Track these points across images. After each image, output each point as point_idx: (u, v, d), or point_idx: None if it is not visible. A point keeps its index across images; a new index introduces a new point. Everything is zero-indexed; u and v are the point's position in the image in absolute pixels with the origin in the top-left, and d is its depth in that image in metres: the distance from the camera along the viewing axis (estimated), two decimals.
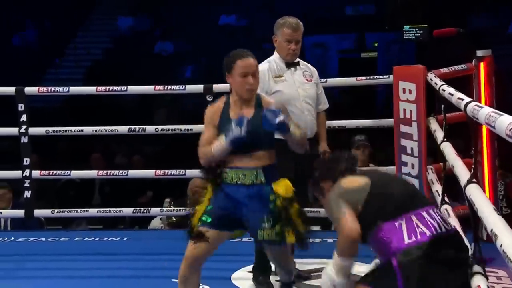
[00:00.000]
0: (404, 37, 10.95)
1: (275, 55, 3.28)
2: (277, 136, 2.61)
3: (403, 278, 1.97)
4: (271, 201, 2.51)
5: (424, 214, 2.04)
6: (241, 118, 2.43)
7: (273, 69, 3.21)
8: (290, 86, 3.20)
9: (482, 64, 3.54)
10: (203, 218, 2.57)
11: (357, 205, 2.12)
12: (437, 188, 3.02)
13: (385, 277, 2.02)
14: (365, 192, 2.11)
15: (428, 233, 2.00)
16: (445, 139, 2.84)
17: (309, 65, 3.37)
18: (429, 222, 2.01)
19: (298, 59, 3.28)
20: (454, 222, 2.51)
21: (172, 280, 3.27)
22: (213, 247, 2.59)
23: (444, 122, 2.98)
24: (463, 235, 2.14)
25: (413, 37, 11.03)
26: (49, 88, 4.37)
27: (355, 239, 2.09)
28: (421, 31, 10.92)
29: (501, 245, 1.45)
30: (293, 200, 2.53)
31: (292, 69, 3.24)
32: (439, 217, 2.07)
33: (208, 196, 2.60)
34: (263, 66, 3.15)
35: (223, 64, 2.59)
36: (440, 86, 2.97)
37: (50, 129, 4.24)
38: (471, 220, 2.13)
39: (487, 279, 2.03)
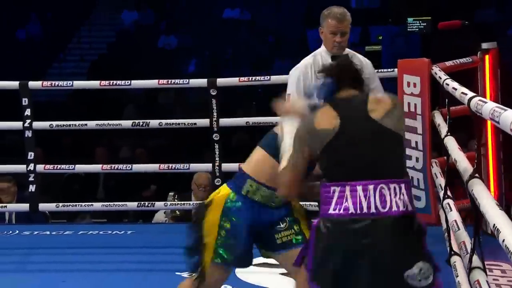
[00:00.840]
0: (408, 29, 10.90)
1: (322, 48, 3.09)
2: None
3: (314, 247, 1.90)
4: (288, 216, 2.32)
5: (369, 187, 1.83)
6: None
7: (318, 64, 2.98)
8: None
9: (487, 57, 3.52)
10: (221, 252, 2.24)
11: (316, 150, 1.93)
12: (441, 182, 3.01)
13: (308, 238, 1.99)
14: (329, 137, 1.89)
15: (351, 209, 1.83)
16: (448, 133, 2.82)
17: (362, 58, 3.14)
18: (362, 198, 1.83)
19: (347, 52, 3.07)
20: (455, 217, 2.50)
21: (176, 273, 3.29)
22: (221, 284, 2.35)
23: (448, 116, 2.96)
24: (416, 221, 1.88)
25: (417, 29, 10.98)
26: (53, 82, 4.38)
27: (288, 197, 2.10)
28: (425, 23, 10.87)
29: (503, 240, 1.44)
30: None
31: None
32: (387, 198, 1.84)
33: (217, 219, 2.24)
34: (307, 61, 3.03)
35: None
36: (444, 80, 2.96)
37: (54, 123, 4.25)
38: (473, 215, 2.11)
39: (486, 273, 2.02)
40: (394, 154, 1.90)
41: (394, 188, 1.84)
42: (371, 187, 1.83)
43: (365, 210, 1.82)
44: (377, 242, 1.81)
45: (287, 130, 2.14)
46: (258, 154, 2.29)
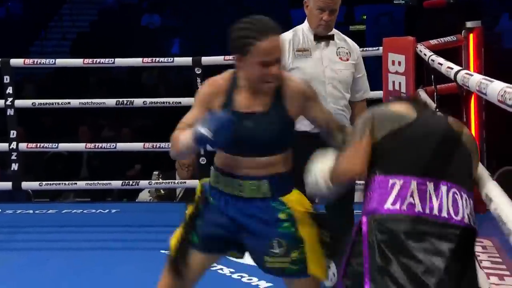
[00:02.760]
0: (394, 1, 10.94)
1: (305, 24, 2.69)
2: (303, 128, 2.28)
3: (369, 248, 1.55)
4: (283, 220, 1.88)
5: (442, 187, 1.55)
6: (212, 115, 1.78)
7: (298, 41, 2.64)
8: (315, 64, 2.60)
9: (471, 36, 3.54)
10: (190, 237, 1.95)
11: (379, 133, 1.64)
12: None
13: (350, 239, 1.63)
14: (403, 122, 1.62)
15: (418, 208, 1.53)
16: (436, 110, 2.84)
17: (349, 40, 2.75)
18: (432, 199, 1.54)
19: (333, 32, 2.68)
20: None
21: (161, 251, 3.29)
22: (198, 275, 1.97)
23: (435, 92, 2.98)
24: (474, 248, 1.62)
25: (403, 1, 11.03)
26: (35, 60, 4.32)
27: (352, 179, 1.70)
28: None
29: (495, 209, 1.46)
30: (313, 216, 1.91)
31: (323, 43, 2.63)
32: (459, 205, 1.56)
33: (197, 202, 1.99)
34: (286, 36, 2.61)
35: (233, 41, 1.88)
36: (429, 56, 2.97)
37: (37, 101, 4.21)
38: None
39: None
40: (469, 169, 1.64)
41: (466, 199, 1.57)
42: (443, 188, 1.55)
43: (435, 211, 1.53)
44: (448, 253, 1.51)
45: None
46: (275, 158, 1.93)
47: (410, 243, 1.52)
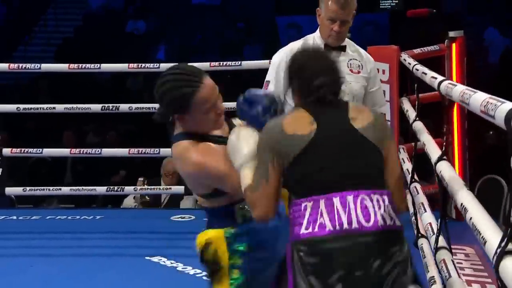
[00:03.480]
0: (380, 6, 11.05)
1: (317, 33, 2.61)
2: None
3: (293, 275, 1.55)
4: None
5: (348, 198, 1.53)
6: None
7: None
8: None
9: (454, 45, 3.59)
10: None
11: (285, 160, 1.59)
12: (408, 166, 3.07)
13: (283, 267, 1.62)
14: (303, 144, 1.58)
15: (328, 227, 1.52)
16: (417, 118, 2.88)
17: (363, 53, 2.68)
18: (340, 213, 1.52)
19: (346, 43, 2.61)
20: (422, 199, 2.55)
21: (146, 258, 3.29)
22: None
23: (417, 101, 3.02)
24: (402, 236, 1.60)
25: (389, 6, 11.14)
26: (20, 65, 4.30)
27: (264, 221, 1.64)
28: (397, 1, 11.03)
29: (470, 218, 1.48)
30: None
31: (334, 53, 2.46)
32: (370, 210, 1.54)
33: (225, 263, 1.77)
34: (295, 45, 2.52)
35: (167, 102, 1.75)
36: (414, 65, 3.01)
37: (22, 106, 4.18)
38: (440, 196, 2.16)
39: (452, 254, 2.07)
40: (376, 167, 1.61)
41: (377, 200, 1.55)
42: (350, 198, 1.53)
43: (345, 226, 1.52)
44: (363, 263, 1.51)
45: (243, 137, 1.68)
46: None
47: (324, 264, 1.52)
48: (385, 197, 1.58)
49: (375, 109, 2.62)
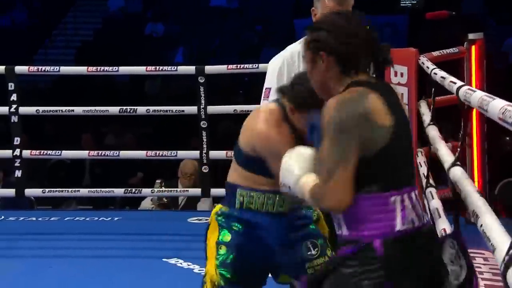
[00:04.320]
0: (401, 4, 10.99)
1: None
2: None
3: (387, 271, 1.47)
4: (312, 222, 1.94)
5: (412, 194, 1.52)
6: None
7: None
8: None
9: (473, 48, 3.56)
10: (222, 272, 1.89)
11: (372, 150, 1.48)
12: (424, 171, 3.05)
13: (361, 264, 1.49)
14: (388, 136, 1.47)
15: (416, 221, 1.51)
16: (431, 122, 2.85)
17: None
18: (416, 207, 1.52)
19: None
20: (437, 205, 2.52)
21: (163, 259, 3.30)
22: None
23: (432, 105, 3.00)
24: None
25: (409, 4, 11.08)
26: (40, 67, 4.35)
27: (338, 211, 1.53)
28: None
29: (481, 225, 1.47)
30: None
31: None
32: (421, 203, 1.58)
33: (216, 234, 1.91)
34: (294, 48, 2.43)
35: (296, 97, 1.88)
36: (432, 69, 2.99)
37: (41, 108, 4.23)
38: (453, 202, 2.14)
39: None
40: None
41: (416, 196, 1.55)
42: (413, 194, 1.52)
43: (423, 221, 1.53)
44: (436, 256, 1.53)
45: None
46: (234, 166, 1.97)
47: (430, 256, 1.52)
48: (416, 192, 1.58)
49: None
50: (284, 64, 2.39)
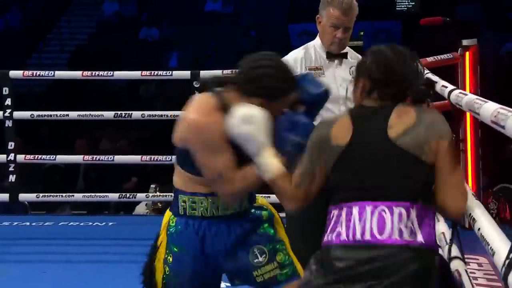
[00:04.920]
0: (396, 8, 11.04)
1: (317, 40, 2.56)
2: None
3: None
4: (264, 220, 1.85)
5: (367, 209, 1.50)
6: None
7: (310, 58, 2.52)
8: (329, 83, 2.36)
9: (467, 54, 3.57)
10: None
11: (328, 168, 1.61)
12: None
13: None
14: (339, 154, 1.58)
15: (343, 236, 1.52)
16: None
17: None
18: (355, 224, 1.51)
19: (347, 50, 2.57)
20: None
21: None
22: None
23: None
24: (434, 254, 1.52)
25: (405, 9, 11.14)
26: (34, 72, 4.34)
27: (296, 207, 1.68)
28: (413, 3, 11.02)
29: (479, 229, 1.47)
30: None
31: (336, 61, 2.53)
32: (387, 222, 1.49)
33: (163, 253, 1.85)
34: (297, 54, 2.51)
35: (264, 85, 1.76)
36: (425, 74, 3.00)
37: (36, 113, 4.22)
38: None
39: (466, 264, 2.06)
40: (408, 177, 1.53)
41: (400, 213, 1.49)
42: (368, 208, 1.51)
43: (358, 237, 1.50)
44: (370, 277, 1.45)
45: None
46: (177, 169, 1.87)
47: (339, 268, 1.50)
48: (413, 211, 1.50)
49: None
50: None
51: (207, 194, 1.79)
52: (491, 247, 1.35)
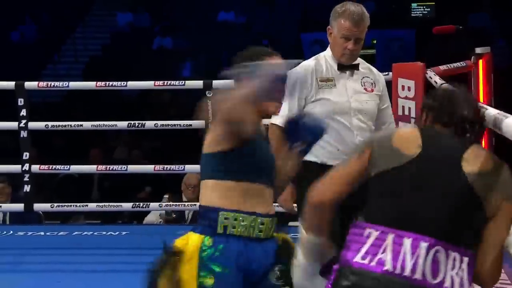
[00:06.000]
0: (412, 14, 11.04)
1: (328, 51, 2.52)
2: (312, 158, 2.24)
3: None
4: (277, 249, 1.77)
5: (421, 245, 1.37)
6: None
7: (321, 69, 2.48)
8: (340, 95, 2.45)
9: (480, 62, 3.56)
10: None
11: (376, 169, 1.45)
12: None
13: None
14: (397, 162, 1.42)
15: (387, 265, 1.38)
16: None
17: (374, 70, 2.62)
18: (406, 257, 1.37)
19: (358, 61, 2.54)
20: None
21: None
22: None
23: None
24: None
25: (421, 14, 11.13)
26: (49, 83, 4.38)
27: (320, 207, 1.48)
28: (429, 9, 11.00)
29: None
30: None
31: (347, 73, 2.50)
32: (441, 265, 1.38)
33: (193, 278, 1.70)
34: (307, 64, 2.48)
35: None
36: (441, 84, 2.99)
37: (50, 123, 4.25)
38: None
39: None
40: (469, 222, 1.40)
41: (454, 259, 1.37)
42: (424, 245, 1.36)
43: (407, 272, 1.36)
44: None
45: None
46: (208, 184, 1.75)
47: None
48: (466, 259, 1.39)
49: (386, 126, 2.55)
50: (298, 81, 2.32)
51: (250, 213, 1.71)
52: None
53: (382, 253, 1.38)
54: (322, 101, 2.44)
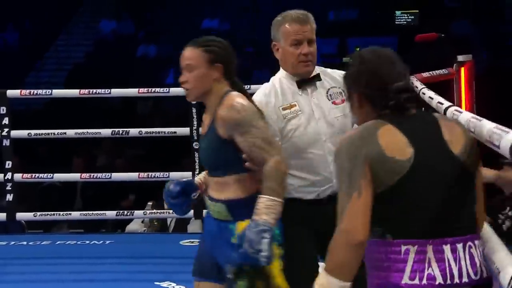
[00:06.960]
0: (396, 22, 11.13)
1: (281, 72, 2.22)
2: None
3: None
4: (233, 244, 1.88)
5: (458, 247, 1.34)
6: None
7: (278, 97, 2.15)
8: (308, 120, 2.13)
9: (462, 69, 3.60)
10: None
11: (383, 186, 1.35)
12: None
13: None
14: (402, 172, 1.34)
15: (439, 280, 1.33)
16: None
17: (337, 74, 2.22)
18: (451, 264, 1.34)
19: (318, 70, 2.20)
20: None
21: (155, 283, 3.28)
22: None
23: None
24: None
25: (405, 22, 11.22)
26: (32, 91, 4.35)
27: (360, 246, 1.36)
28: (412, 17, 11.10)
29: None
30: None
31: (308, 90, 2.16)
32: (476, 260, 1.37)
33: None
34: (266, 96, 2.17)
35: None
36: (421, 89, 3.01)
37: (33, 131, 4.22)
38: None
39: None
40: (472, 203, 1.40)
41: (478, 247, 1.38)
42: (460, 246, 1.34)
43: (456, 279, 1.33)
44: None
45: None
46: (225, 180, 1.98)
47: None
48: (478, 242, 1.40)
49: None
50: (262, 101, 2.16)
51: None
52: (496, 266, 1.33)
53: (428, 268, 1.34)
54: (293, 134, 2.14)
